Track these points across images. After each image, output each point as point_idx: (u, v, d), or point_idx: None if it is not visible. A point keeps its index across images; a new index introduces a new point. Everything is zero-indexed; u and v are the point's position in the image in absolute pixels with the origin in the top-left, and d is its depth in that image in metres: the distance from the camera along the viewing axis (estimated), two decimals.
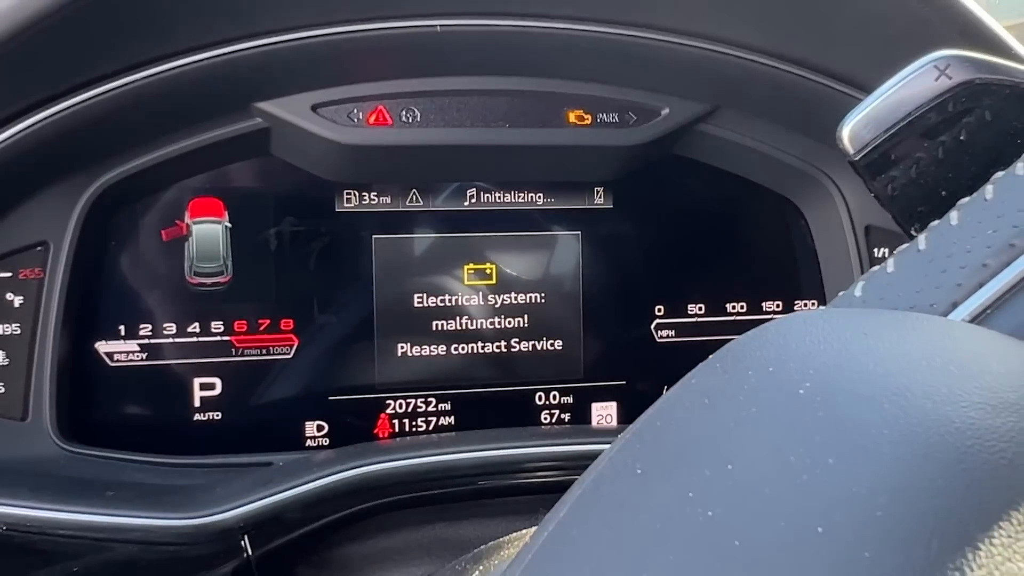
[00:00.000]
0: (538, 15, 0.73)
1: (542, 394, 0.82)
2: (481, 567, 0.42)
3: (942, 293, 0.34)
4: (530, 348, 0.82)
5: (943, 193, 0.43)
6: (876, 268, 0.36)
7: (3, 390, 0.70)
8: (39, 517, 0.62)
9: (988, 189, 0.35)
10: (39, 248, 0.71)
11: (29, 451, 0.70)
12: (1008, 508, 0.24)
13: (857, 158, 0.45)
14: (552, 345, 0.82)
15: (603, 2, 0.73)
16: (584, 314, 0.83)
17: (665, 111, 0.79)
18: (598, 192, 0.83)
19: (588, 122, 0.78)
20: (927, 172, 0.45)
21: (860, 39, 0.74)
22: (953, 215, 0.36)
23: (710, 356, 0.34)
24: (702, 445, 0.30)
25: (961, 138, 0.44)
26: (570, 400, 0.83)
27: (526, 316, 0.82)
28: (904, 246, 0.36)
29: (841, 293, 0.37)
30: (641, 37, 0.75)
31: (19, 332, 0.70)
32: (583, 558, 0.29)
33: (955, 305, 0.34)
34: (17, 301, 0.70)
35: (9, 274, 0.70)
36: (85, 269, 0.72)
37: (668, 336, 0.85)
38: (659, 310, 0.84)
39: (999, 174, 0.35)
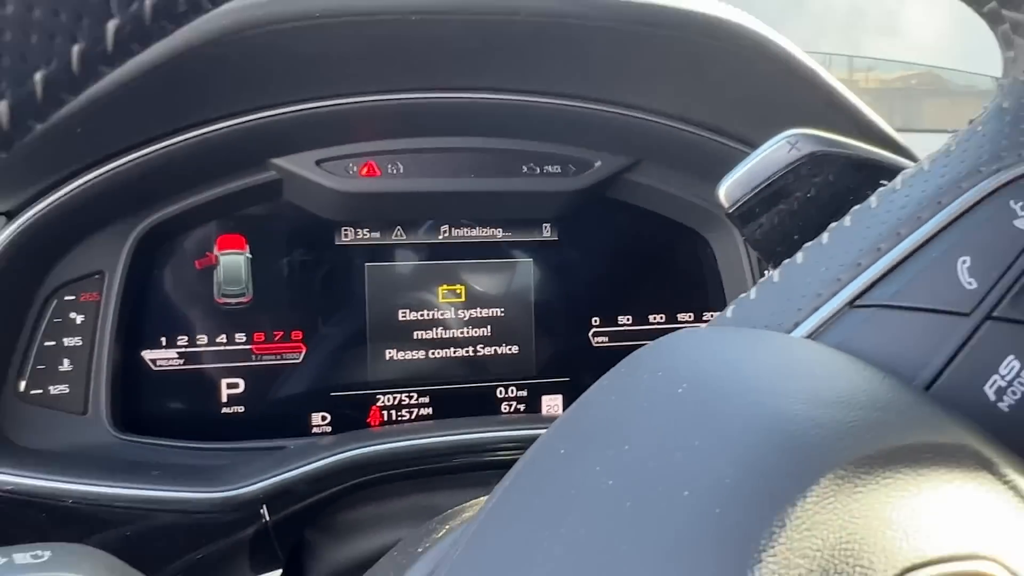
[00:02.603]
0: (498, 89, 0.74)
1: (502, 389, 0.83)
2: (448, 526, 0.42)
3: (788, 315, 0.34)
4: (492, 352, 0.82)
5: (796, 237, 0.44)
6: (743, 295, 0.37)
7: (68, 390, 0.70)
8: (99, 492, 0.63)
9: (824, 236, 0.36)
10: (96, 276, 0.71)
11: (89, 440, 0.70)
12: (819, 475, 0.25)
13: (730, 211, 0.46)
14: (510, 350, 0.83)
15: (548, 79, 0.74)
16: (535, 324, 0.83)
17: (598, 163, 0.80)
18: (546, 227, 0.83)
19: (537, 173, 0.79)
20: (784, 221, 0.45)
21: (748, 109, 0.75)
22: (799, 255, 0.36)
23: (619, 362, 0.34)
24: (608, 431, 0.31)
25: (809, 195, 0.45)
26: (524, 394, 0.83)
27: (489, 327, 0.82)
28: (763, 278, 0.37)
29: (717, 315, 0.37)
30: (578, 106, 0.76)
31: (80, 344, 0.70)
32: (521, 517, 0.30)
33: (797, 325, 0.34)
34: (79, 319, 0.70)
35: (73, 297, 0.70)
36: (133, 292, 0.72)
37: (603, 342, 0.85)
38: (595, 321, 0.85)
39: (834, 224, 0.36)
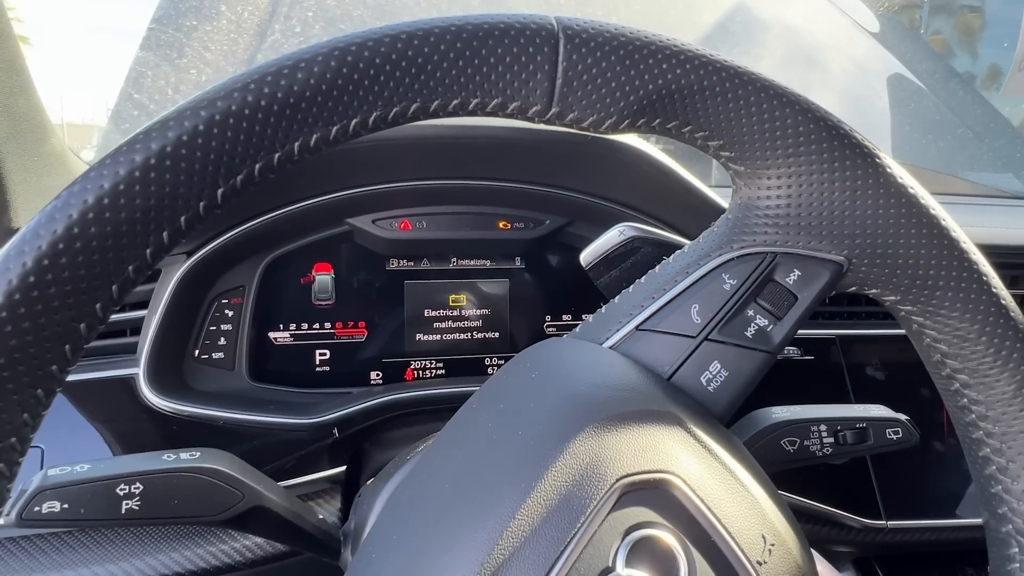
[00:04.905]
0: (485, 177, 0.78)
1: (488, 358, 0.85)
2: (424, 445, 0.46)
3: (604, 333, 0.36)
4: (483, 336, 0.84)
5: (624, 285, 0.46)
6: (586, 319, 0.37)
7: (223, 356, 0.74)
8: (239, 418, 0.67)
9: (631, 287, 0.37)
10: (240, 288, 0.75)
11: (234, 386, 0.74)
12: (585, 425, 0.28)
13: (586, 269, 0.48)
14: (494, 334, 0.85)
15: (515, 172, 0.78)
16: (510, 319, 0.85)
17: (547, 221, 0.83)
18: (517, 259, 0.85)
19: (509, 227, 0.82)
20: (620, 275, 0.48)
21: (638, 190, 0.78)
22: (617, 298, 0.37)
23: (514, 356, 0.36)
24: (495, 395, 0.33)
25: (632, 262, 0.48)
26: (502, 362, 0.85)
27: (481, 320, 0.84)
28: (599, 310, 0.38)
29: (572, 332, 0.38)
30: (534, 188, 0.79)
31: (231, 328, 0.74)
32: (450, 441, 0.33)
33: (607, 339, 0.36)
34: (230, 314, 0.74)
35: (227, 301, 0.74)
36: (263, 298, 0.76)
37: (552, 331, 0.87)
38: (548, 317, 0.87)
39: (637, 280, 0.38)
